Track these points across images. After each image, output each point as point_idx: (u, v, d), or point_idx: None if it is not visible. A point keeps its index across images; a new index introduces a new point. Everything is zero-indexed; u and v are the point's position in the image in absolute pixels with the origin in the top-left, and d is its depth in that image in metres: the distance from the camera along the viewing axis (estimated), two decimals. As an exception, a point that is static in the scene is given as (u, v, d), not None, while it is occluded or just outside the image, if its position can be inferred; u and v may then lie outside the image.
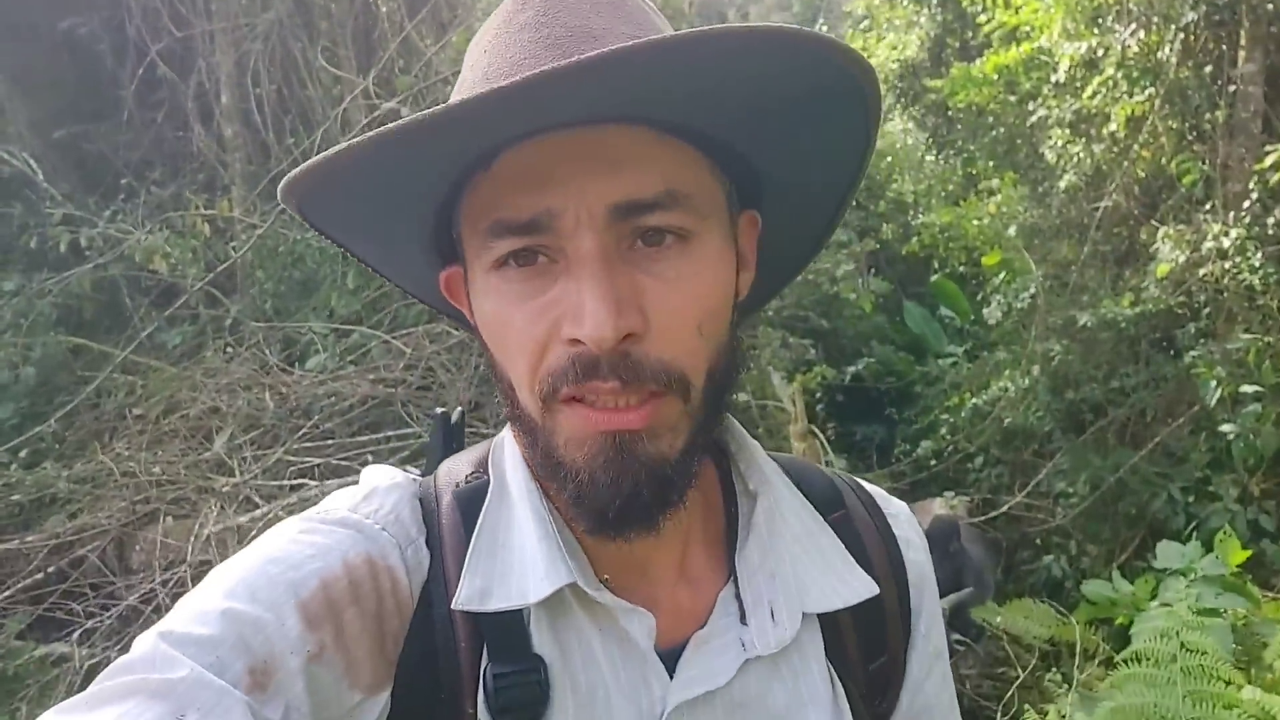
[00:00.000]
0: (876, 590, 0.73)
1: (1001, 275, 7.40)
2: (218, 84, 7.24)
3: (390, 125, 0.53)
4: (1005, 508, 5.72)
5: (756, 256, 0.72)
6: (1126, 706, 2.78)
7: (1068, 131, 7.45)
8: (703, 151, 0.63)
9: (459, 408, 0.87)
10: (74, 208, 6.68)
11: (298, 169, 0.58)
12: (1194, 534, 4.88)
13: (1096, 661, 3.31)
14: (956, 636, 4.58)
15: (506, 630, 0.63)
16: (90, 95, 7.53)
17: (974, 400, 6.42)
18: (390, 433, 4.36)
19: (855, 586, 0.72)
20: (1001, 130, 8.33)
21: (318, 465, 4.17)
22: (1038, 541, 6.17)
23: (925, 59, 10.70)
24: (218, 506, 4.10)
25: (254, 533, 4.17)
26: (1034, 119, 7.78)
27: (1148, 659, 2.87)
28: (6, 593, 4.28)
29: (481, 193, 0.61)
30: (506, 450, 0.71)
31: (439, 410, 0.85)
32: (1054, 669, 3.56)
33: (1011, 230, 7.35)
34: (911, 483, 6.69)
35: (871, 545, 0.77)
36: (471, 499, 0.68)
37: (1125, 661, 2.90)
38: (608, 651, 0.66)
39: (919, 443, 6.88)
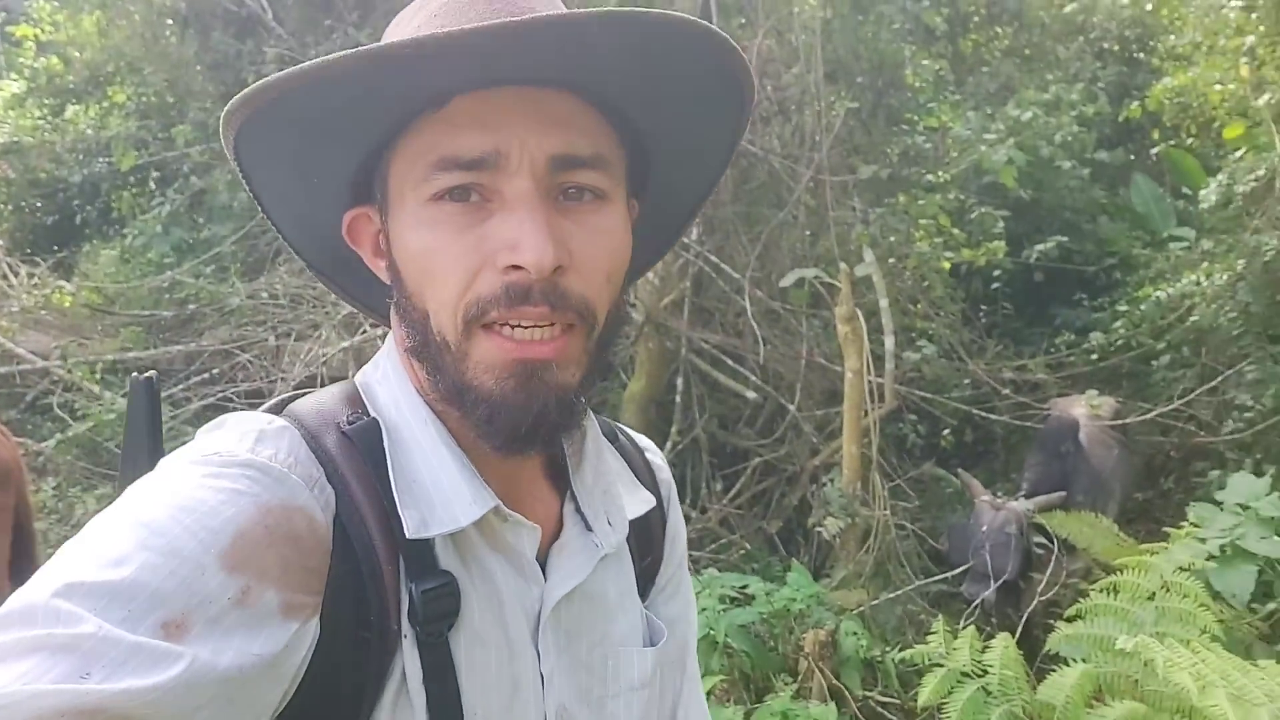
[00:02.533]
0: (654, 502, 0.90)
1: (1241, 152, 6.32)
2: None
3: (361, 49, 0.62)
4: (1153, 413, 5.13)
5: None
6: (1081, 635, 2.59)
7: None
8: (614, 127, 0.74)
9: (152, 371, 0.95)
10: (295, 44, 7.35)
11: (258, 83, 0.64)
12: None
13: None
14: (1038, 540, 4.30)
15: (420, 552, 0.70)
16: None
17: (1158, 293, 5.68)
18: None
19: (643, 498, 0.88)
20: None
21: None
22: (1226, 454, 5.52)
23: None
24: (335, 330, 4.58)
25: (362, 353, 4.66)
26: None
27: (1125, 592, 2.62)
28: (182, 385, 5.10)
29: (427, 132, 0.69)
30: (383, 391, 0.77)
31: (144, 375, 0.93)
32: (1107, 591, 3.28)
33: (1264, 99, 6.20)
34: (1072, 376, 6.12)
35: (638, 469, 0.93)
36: (366, 437, 0.72)
37: (1106, 590, 2.67)
38: (499, 563, 0.75)
39: (1090, 334, 6.23)
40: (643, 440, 0.99)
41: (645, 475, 0.93)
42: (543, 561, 0.79)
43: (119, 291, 6.99)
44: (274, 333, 4.91)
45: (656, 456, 0.98)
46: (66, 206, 8.99)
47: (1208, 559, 2.85)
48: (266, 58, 6.91)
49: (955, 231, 6.67)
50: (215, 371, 5.19)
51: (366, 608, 0.68)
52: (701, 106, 0.75)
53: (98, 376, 5.84)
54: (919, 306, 6.11)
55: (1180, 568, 2.77)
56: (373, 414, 0.75)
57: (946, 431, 5.95)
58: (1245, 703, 2.12)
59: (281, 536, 0.63)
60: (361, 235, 0.78)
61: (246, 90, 0.64)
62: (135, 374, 0.95)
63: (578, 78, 0.69)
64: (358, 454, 0.72)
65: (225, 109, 0.66)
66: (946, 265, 6.42)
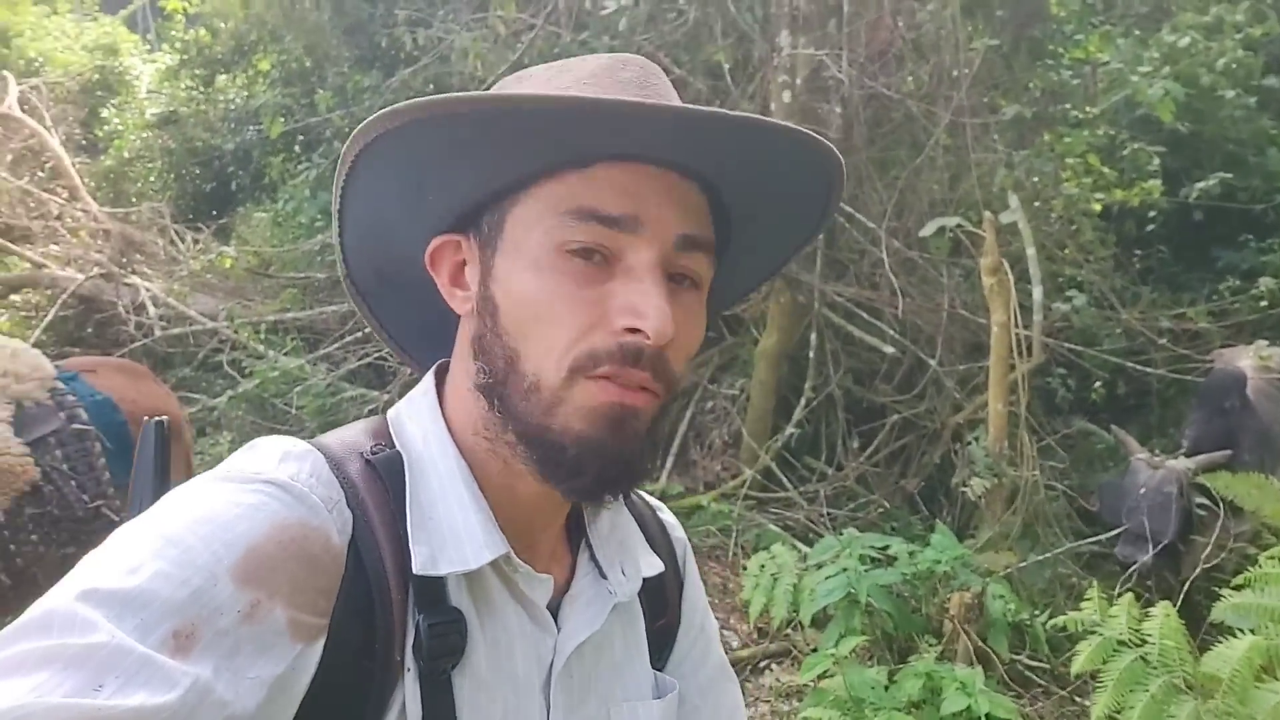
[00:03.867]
0: (664, 567, 0.91)
1: None
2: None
3: (541, 94, 0.71)
4: (1330, 367, 4.75)
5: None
6: (1249, 605, 2.47)
7: None
8: (713, 212, 0.78)
9: (164, 417, 1.02)
10: (423, 4, 7.49)
11: (431, 98, 0.66)
12: None
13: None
14: (1201, 501, 4.09)
15: (431, 586, 0.71)
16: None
17: (1335, 233, 5.24)
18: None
19: (652, 562, 0.90)
20: None
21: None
22: None
23: None
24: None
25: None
26: None
27: (1301, 565, 2.48)
28: (338, 344, 5.34)
29: (567, 183, 0.72)
30: (413, 428, 0.79)
31: (154, 420, 0.99)
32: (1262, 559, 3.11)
33: None
34: (1238, 324, 5.74)
35: (652, 531, 0.94)
36: (389, 467, 0.74)
37: (1274, 556, 2.53)
38: (514, 609, 0.76)
39: (1258, 278, 5.80)
40: (655, 501, 1.00)
41: (658, 536, 0.94)
42: (554, 609, 0.80)
43: (275, 255, 7.37)
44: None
45: (669, 516, 0.99)
46: (222, 173, 9.50)
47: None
48: (398, 19, 7.06)
49: (1105, 171, 6.31)
50: (368, 330, 5.42)
51: (373, 636, 0.68)
52: (794, 203, 0.81)
53: (261, 336, 6.21)
54: (1067, 253, 5.84)
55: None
56: (398, 447, 0.77)
57: (1098, 385, 5.70)
58: None
59: (295, 554, 0.64)
60: (443, 262, 0.80)
61: (421, 100, 0.66)
62: (147, 418, 1.00)
63: (706, 169, 0.74)
64: (379, 483, 0.73)
65: (387, 110, 0.67)
66: (1097, 207, 6.09)
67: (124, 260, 7.50)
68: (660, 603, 0.92)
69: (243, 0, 9.43)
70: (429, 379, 0.82)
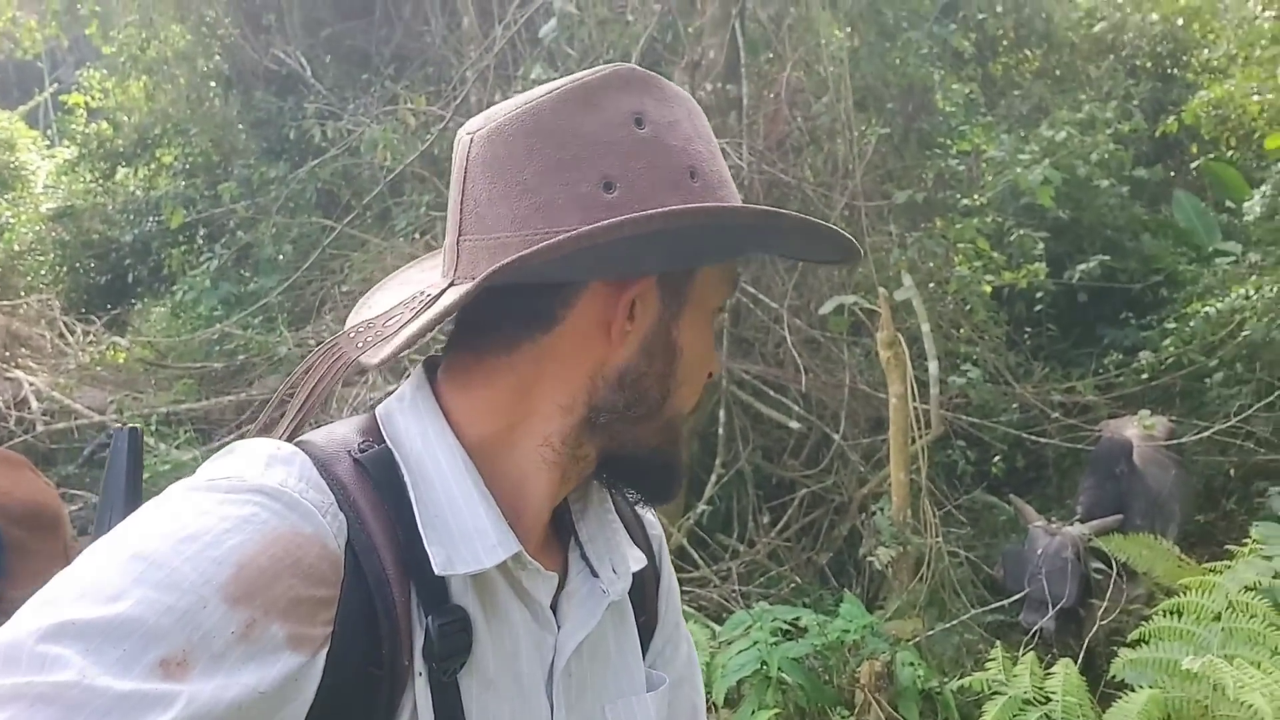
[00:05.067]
0: (647, 561, 0.91)
1: (1284, 162, 6.22)
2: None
3: (798, 215, 0.77)
4: (1209, 431, 5.01)
5: None
6: (1146, 659, 2.52)
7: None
8: None
9: (137, 425, 1.00)
10: (334, 100, 7.55)
11: (766, 211, 0.75)
12: None
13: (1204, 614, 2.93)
14: (1097, 565, 4.19)
15: (434, 587, 0.69)
16: (357, -8, 8.32)
17: (1206, 308, 5.57)
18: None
19: (636, 555, 0.89)
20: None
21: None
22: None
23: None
24: (381, 375, 4.64)
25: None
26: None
27: (1190, 613, 2.55)
28: (234, 434, 5.18)
29: (729, 266, 0.84)
30: (408, 424, 0.75)
31: (127, 425, 0.96)
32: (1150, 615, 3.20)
33: (1305, 105, 6.11)
34: (1122, 396, 6.00)
35: (632, 526, 0.93)
36: (379, 465, 0.71)
37: (1167, 613, 2.60)
38: (517, 607, 0.74)
39: (1139, 353, 6.11)
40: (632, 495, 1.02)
41: (637, 530, 0.94)
42: (553, 608, 0.79)
43: (171, 346, 7.16)
44: (320, 380, 4.98)
45: (648, 512, 0.99)
46: (119, 265, 9.26)
47: (1274, 577, 2.76)
48: (307, 113, 7.10)
49: (994, 255, 6.62)
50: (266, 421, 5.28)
51: (378, 642, 0.65)
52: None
53: (153, 429, 5.97)
54: (962, 331, 6.05)
55: (1246, 587, 2.69)
56: (388, 443, 0.73)
57: (997, 458, 5.86)
58: (1323, 724, 2.05)
59: (290, 566, 0.61)
60: (624, 301, 0.76)
61: (753, 209, 0.75)
62: (119, 425, 0.97)
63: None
64: (370, 482, 0.70)
65: (723, 208, 0.76)
66: (988, 289, 6.36)
67: (7, 354, 7.18)
68: (640, 600, 0.92)
69: (147, 94, 9.38)
70: (419, 375, 0.79)
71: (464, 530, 0.70)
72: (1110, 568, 4.16)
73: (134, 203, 9.30)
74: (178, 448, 5.84)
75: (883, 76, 5.65)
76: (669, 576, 0.98)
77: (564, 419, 0.75)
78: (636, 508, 0.96)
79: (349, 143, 6.62)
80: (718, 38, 5.16)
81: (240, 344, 6.23)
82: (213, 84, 9.02)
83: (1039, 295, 6.84)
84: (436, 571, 0.67)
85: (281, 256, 6.97)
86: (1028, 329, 7.04)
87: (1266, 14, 8.19)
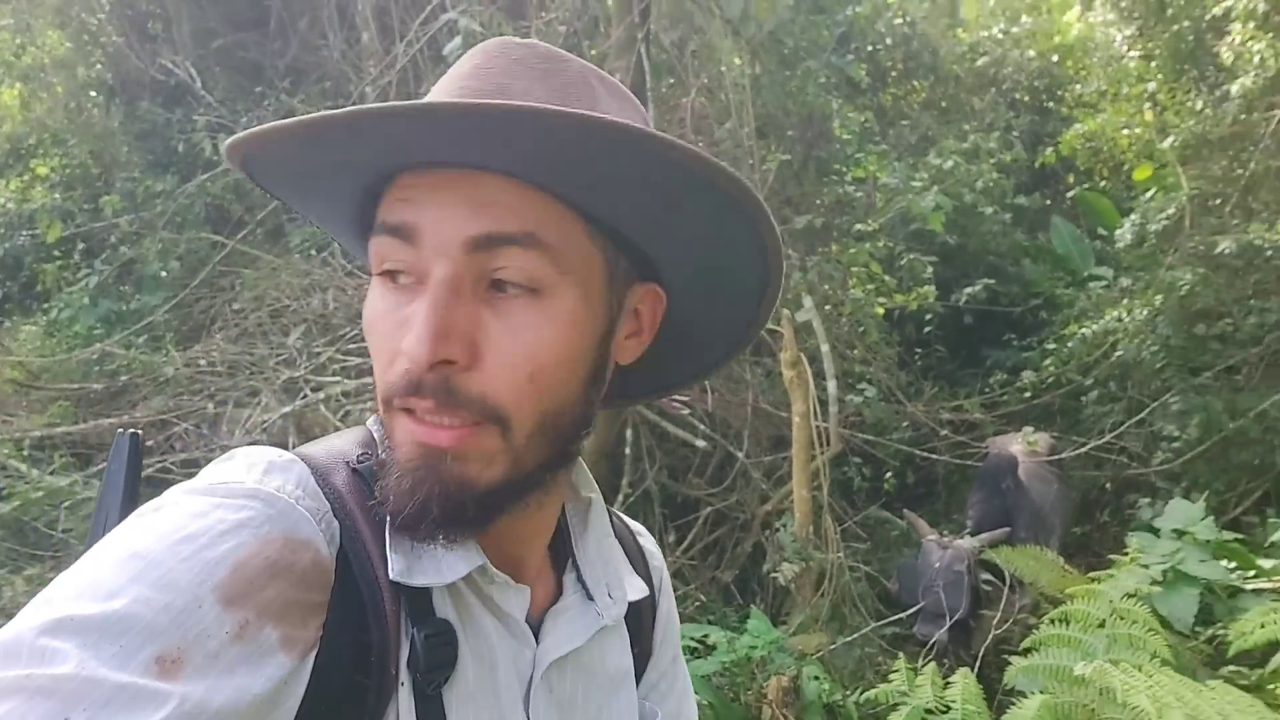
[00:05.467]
0: (648, 592, 0.89)
1: (1151, 193, 6.64)
2: (353, -8, 7.56)
3: (306, 117, 0.61)
4: (1087, 447, 5.29)
5: (666, 330, 0.82)
6: (1036, 667, 2.63)
7: (1251, 26, 6.48)
8: (586, 221, 0.69)
9: (139, 430, 0.96)
10: (225, 113, 7.30)
11: (242, 134, 0.64)
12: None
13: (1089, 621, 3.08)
14: (986, 577, 4.37)
15: (419, 598, 0.69)
16: (250, 4, 8.07)
17: (1083, 330, 5.89)
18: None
19: (637, 585, 0.87)
20: (1186, 24, 7.33)
21: (358, 364, 4.48)
22: (1156, 484, 5.70)
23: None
24: (274, 396, 4.50)
25: (302, 419, 4.58)
26: (1218, 9, 6.82)
27: (1076, 621, 2.68)
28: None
29: (382, 205, 0.69)
30: None
31: (129, 431, 0.91)
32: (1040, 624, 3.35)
33: (1168, 142, 6.54)
34: (1007, 414, 6.29)
35: (633, 556, 0.92)
36: (374, 476, 0.71)
37: (1055, 621, 2.73)
38: (493, 623, 0.74)
39: (1021, 373, 6.42)
40: (636, 525, 0.99)
41: (639, 562, 0.93)
42: (538, 625, 0.78)
43: (45, 366, 6.77)
44: (212, 401, 4.80)
45: (649, 542, 0.98)
46: (-14, 281, 8.72)
47: (1152, 584, 2.92)
48: (197, 125, 6.85)
49: (886, 278, 6.87)
50: (150, 444, 5.04)
51: (367, 650, 0.65)
52: (683, 212, 0.71)
53: (24, 454, 5.63)
54: (856, 352, 6.24)
55: (1128, 594, 2.85)
56: (383, 455, 0.73)
57: (889, 474, 6.05)
58: (1199, 722, 2.18)
59: (284, 569, 0.61)
60: None
61: (241, 135, 0.65)
62: (120, 430, 0.93)
63: (508, 169, 0.65)
64: (366, 492, 0.70)
65: (226, 148, 0.67)
66: (880, 311, 6.59)
67: None
68: (637, 632, 0.89)
69: (22, 103, 8.89)
70: None
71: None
72: (1000, 580, 4.35)
73: (4, 215, 8.78)
74: (52, 473, 5.52)
75: (783, 105, 5.81)
76: (668, 610, 0.96)
77: None
78: (639, 538, 0.96)
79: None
80: (624, 61, 5.21)
81: (123, 364, 5.93)
82: (93, 93, 8.60)
83: (928, 317, 7.13)
84: (392, 578, 0.67)
85: (166, 273, 6.68)
86: (918, 349, 7.31)
87: (1131, 54, 8.78)
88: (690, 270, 0.77)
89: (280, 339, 5.13)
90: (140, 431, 0.94)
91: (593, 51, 5.79)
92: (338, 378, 4.38)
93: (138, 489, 0.91)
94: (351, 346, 4.76)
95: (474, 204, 0.65)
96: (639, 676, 0.90)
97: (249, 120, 7.07)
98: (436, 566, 0.69)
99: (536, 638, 0.77)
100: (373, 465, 0.72)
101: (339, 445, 0.75)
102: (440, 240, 0.65)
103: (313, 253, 5.71)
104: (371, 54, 7.56)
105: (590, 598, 0.81)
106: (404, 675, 0.67)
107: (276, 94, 7.20)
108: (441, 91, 0.71)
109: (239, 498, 0.63)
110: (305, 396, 4.59)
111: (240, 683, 0.56)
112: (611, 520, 0.92)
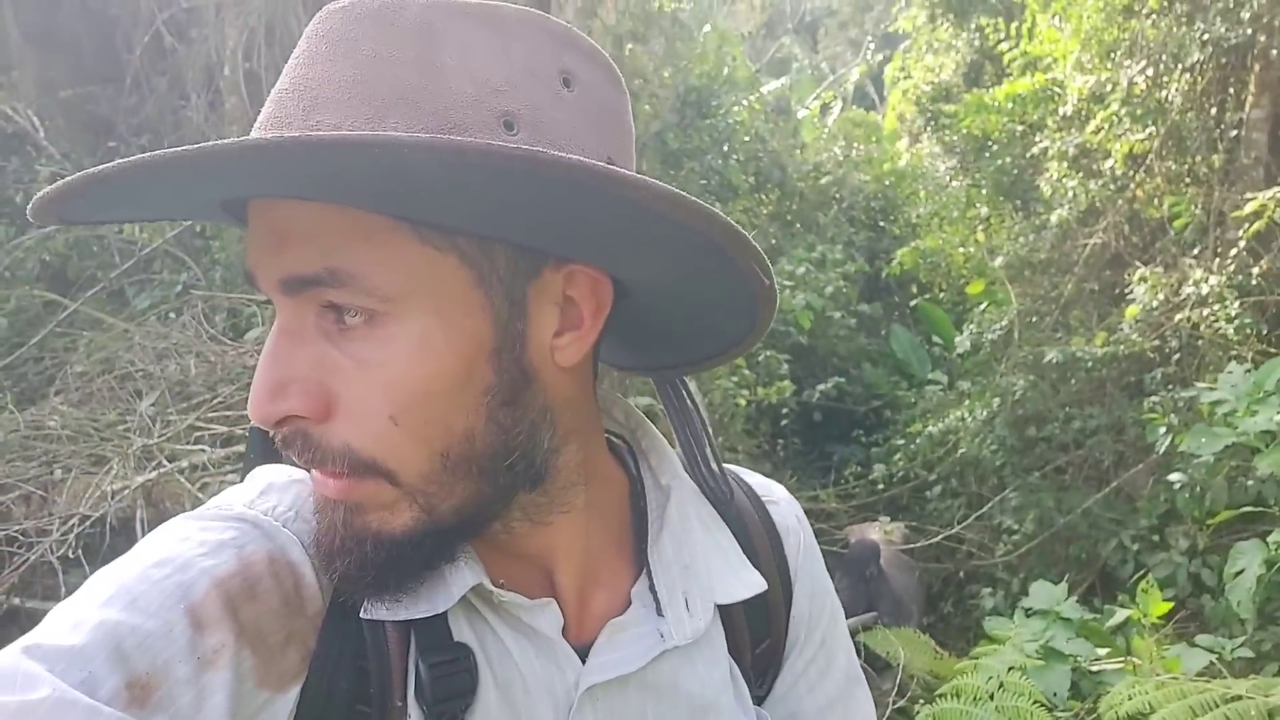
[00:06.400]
0: (765, 586, 0.76)
1: (984, 306, 7.27)
2: (221, 55, 7.39)
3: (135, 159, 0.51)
4: (938, 538, 5.63)
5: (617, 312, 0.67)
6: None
7: (1065, 166, 7.31)
8: (408, 222, 0.56)
9: None
10: (70, 167, 6.86)
11: (53, 187, 0.53)
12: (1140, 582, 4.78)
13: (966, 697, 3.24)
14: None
15: (430, 623, 0.64)
16: (101, 58, 7.71)
17: (929, 428, 6.31)
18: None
19: (749, 580, 0.75)
20: (1007, 160, 8.19)
21: (224, 433, 4.24)
22: (996, 575, 6.07)
23: (960, 83, 10.59)
24: (130, 464, 4.17)
25: (154, 490, 4.26)
26: (1036, 149, 7.66)
27: (966, 695, 2.82)
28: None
29: None
30: None
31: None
32: (927, 702, 3.49)
33: (998, 261, 7.22)
34: (860, 505, 6.61)
35: (756, 535, 0.80)
36: None
37: (944, 695, 2.86)
38: (518, 644, 0.67)
39: (873, 466, 6.79)
40: (769, 490, 0.86)
41: (763, 541, 0.81)
42: (590, 643, 0.70)
43: None
44: (50, 468, 4.39)
45: (783, 514, 0.84)
46: None
47: (1029, 656, 3.12)
48: (39, 176, 6.41)
49: (746, 372, 7.16)
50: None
51: (365, 679, 0.62)
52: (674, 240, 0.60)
53: None
54: (723, 440, 6.42)
55: (1011, 668, 3.02)
56: None
57: (750, 562, 6.19)
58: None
59: (264, 592, 0.59)
60: None
61: (43, 195, 0.54)
62: None
63: (302, 193, 0.55)
64: None
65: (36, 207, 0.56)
66: (743, 402, 6.84)
67: None
68: (762, 623, 0.79)
69: None
70: None
71: None
72: (870, 664, 4.50)
73: None
74: None
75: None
76: (808, 587, 0.83)
77: None
78: (770, 507, 0.83)
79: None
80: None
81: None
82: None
83: (784, 412, 7.45)
84: (366, 618, 0.63)
85: (-9, 334, 6.13)
86: (779, 441, 7.60)
87: (955, 183, 9.71)
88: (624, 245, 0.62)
89: (131, 405, 4.79)
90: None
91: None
92: (201, 446, 4.12)
93: None
94: (213, 415, 4.49)
95: (276, 238, 0.57)
96: (772, 670, 0.81)
97: (99, 175, 6.69)
98: (430, 595, 0.64)
99: (585, 658, 0.69)
100: None
101: None
102: (267, 284, 0.59)
103: (171, 316, 5.39)
104: (238, 118, 7.37)
105: (661, 612, 0.72)
106: (411, 707, 0.63)
107: (130, 149, 6.85)
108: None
109: (226, 520, 0.62)
110: (163, 467, 4.28)
111: (211, 712, 0.54)
112: (733, 493, 0.80)
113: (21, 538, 3.99)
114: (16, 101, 7.28)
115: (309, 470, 0.61)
